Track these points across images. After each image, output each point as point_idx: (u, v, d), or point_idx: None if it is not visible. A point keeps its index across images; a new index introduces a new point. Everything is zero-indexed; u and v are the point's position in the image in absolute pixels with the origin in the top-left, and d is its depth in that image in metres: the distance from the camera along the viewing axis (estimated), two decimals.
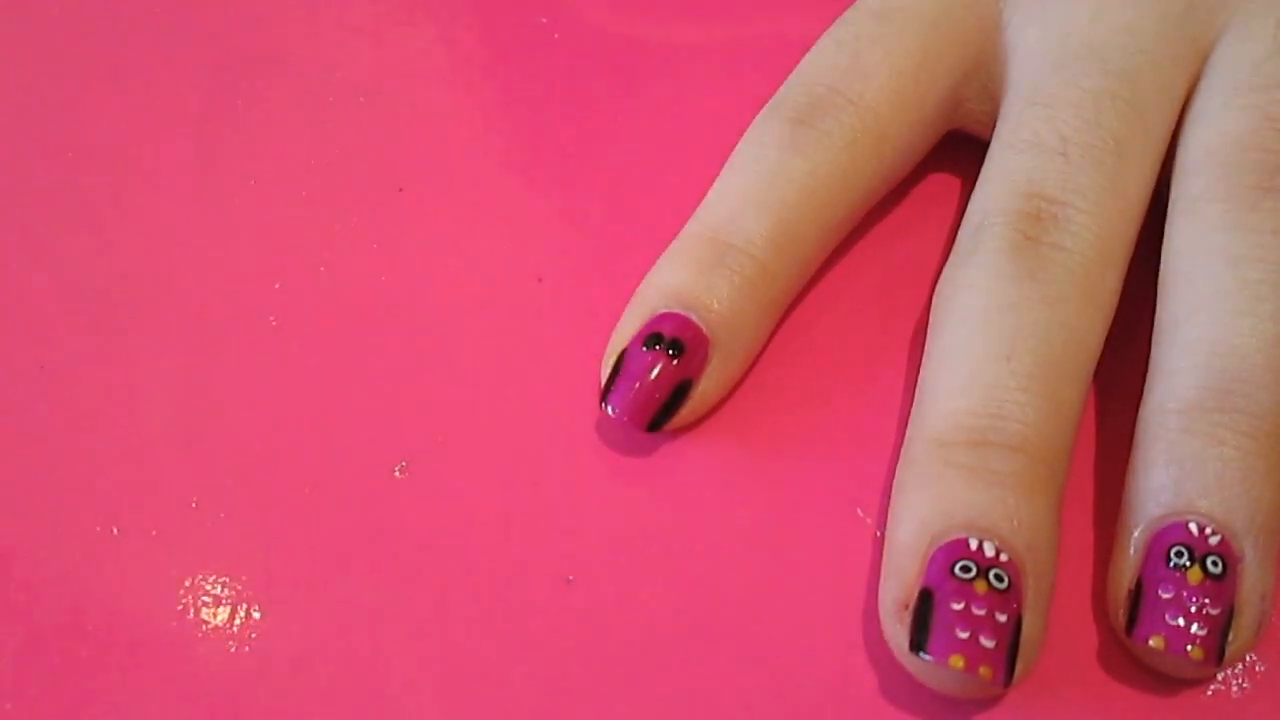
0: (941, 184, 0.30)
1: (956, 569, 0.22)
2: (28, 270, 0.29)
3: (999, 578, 0.22)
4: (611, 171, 0.31)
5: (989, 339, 0.24)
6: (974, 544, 0.22)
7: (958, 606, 0.21)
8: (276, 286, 0.29)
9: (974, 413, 0.23)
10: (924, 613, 0.22)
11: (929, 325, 0.26)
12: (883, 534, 0.25)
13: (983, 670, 0.21)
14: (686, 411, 0.26)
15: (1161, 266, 0.25)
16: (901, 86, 0.27)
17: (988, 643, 0.21)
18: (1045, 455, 0.23)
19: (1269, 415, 0.23)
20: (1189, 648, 0.22)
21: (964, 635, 0.21)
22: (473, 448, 0.27)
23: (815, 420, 0.27)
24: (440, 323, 0.29)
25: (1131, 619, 0.22)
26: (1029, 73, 0.27)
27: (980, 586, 0.21)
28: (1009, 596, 0.22)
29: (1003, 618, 0.21)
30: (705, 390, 0.26)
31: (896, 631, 0.22)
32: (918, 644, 0.21)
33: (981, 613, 0.21)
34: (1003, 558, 0.22)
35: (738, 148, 0.28)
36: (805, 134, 0.27)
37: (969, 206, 0.26)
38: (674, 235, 0.27)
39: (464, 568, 0.25)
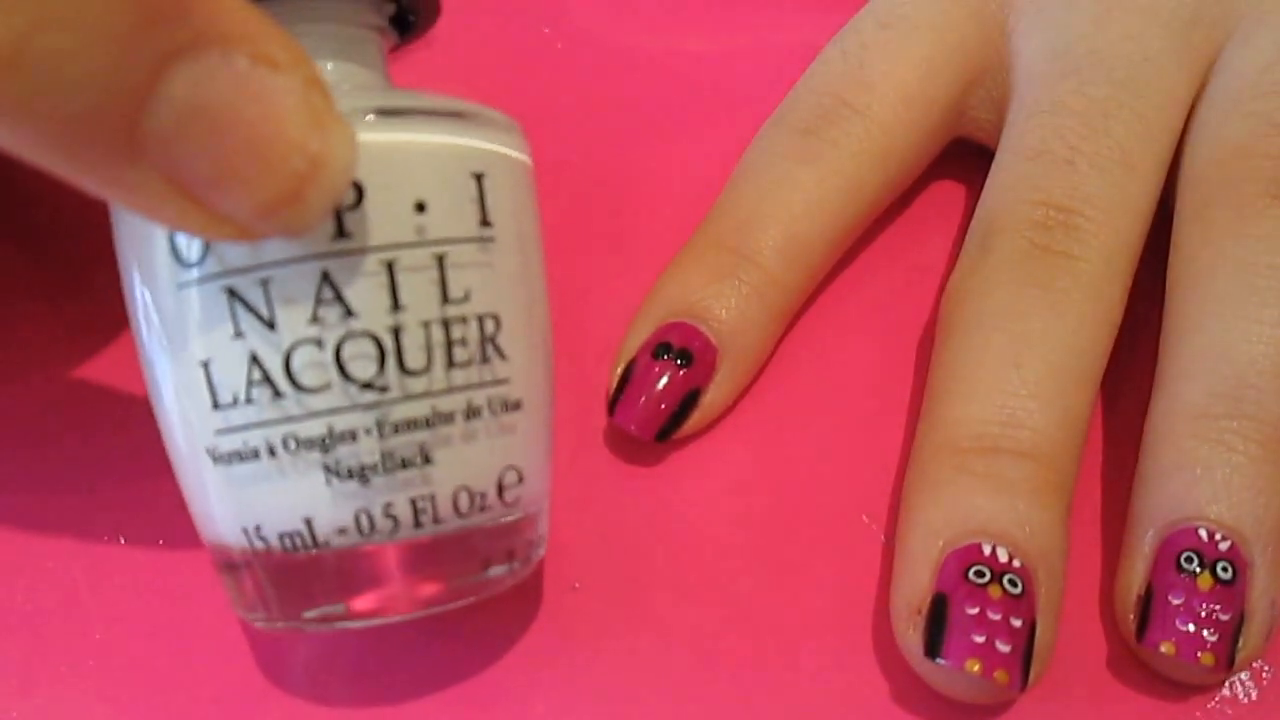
0: (947, 191, 0.31)
1: (970, 574, 0.22)
2: (28, 271, 0.29)
3: (1013, 583, 0.22)
4: (616, 181, 0.31)
5: (998, 346, 0.24)
6: (987, 549, 0.22)
7: (973, 611, 0.21)
8: None
9: (984, 419, 0.23)
10: (938, 617, 0.22)
11: (936, 332, 0.26)
12: (889, 540, 0.25)
13: (999, 675, 0.21)
14: (694, 420, 0.26)
15: (1169, 273, 0.25)
16: (907, 95, 0.28)
17: (1003, 647, 0.21)
18: (1055, 462, 0.23)
19: (1278, 422, 0.23)
20: (1200, 654, 0.22)
21: (979, 640, 0.21)
22: None
23: (821, 427, 0.27)
24: None
25: (1142, 625, 0.22)
26: (1035, 80, 0.27)
27: (995, 591, 0.21)
28: (1023, 602, 0.22)
29: (1018, 622, 0.21)
30: (713, 399, 0.26)
31: (910, 636, 0.22)
32: (933, 649, 0.21)
33: (997, 617, 0.21)
34: (1016, 563, 0.22)
35: (744, 157, 0.28)
36: (812, 144, 0.27)
37: (976, 214, 0.27)
38: (681, 244, 0.27)
39: None
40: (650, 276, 0.27)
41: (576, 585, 0.25)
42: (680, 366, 0.25)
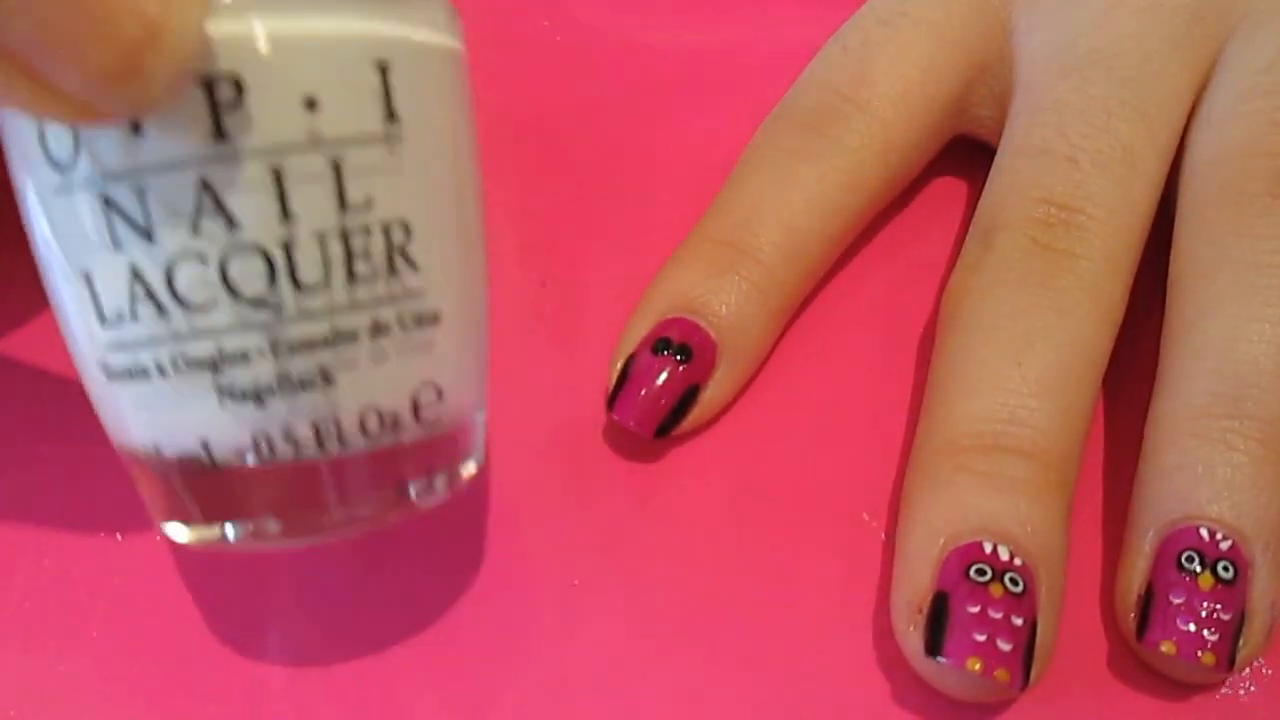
0: (948, 188, 0.31)
1: (971, 572, 0.22)
2: (28, 275, 0.29)
3: (1014, 581, 0.22)
4: (616, 175, 0.31)
5: (999, 344, 0.24)
6: (988, 548, 0.22)
7: (974, 609, 0.21)
8: None
9: (985, 418, 0.23)
10: (939, 616, 0.22)
11: (937, 330, 0.26)
12: (890, 538, 0.25)
13: (999, 673, 0.21)
14: (693, 417, 0.26)
15: (1170, 272, 0.25)
16: (908, 92, 0.27)
17: (1004, 646, 0.21)
18: (1056, 460, 0.23)
19: (1278, 421, 0.23)
20: (1200, 653, 0.22)
21: (980, 638, 0.21)
22: None
23: (821, 425, 0.27)
24: None
25: (1142, 624, 0.22)
26: (1036, 78, 0.27)
27: (996, 590, 0.21)
28: (1024, 600, 0.21)
29: (1019, 621, 0.21)
30: (712, 396, 0.26)
31: (910, 635, 0.22)
32: (933, 647, 0.21)
33: (998, 616, 0.21)
34: (1017, 562, 0.22)
35: (745, 153, 0.28)
36: (813, 140, 0.27)
37: (977, 211, 0.27)
38: (680, 239, 0.27)
39: (469, 570, 0.25)
40: (650, 271, 0.27)
41: (576, 582, 0.25)
42: (680, 362, 0.25)
